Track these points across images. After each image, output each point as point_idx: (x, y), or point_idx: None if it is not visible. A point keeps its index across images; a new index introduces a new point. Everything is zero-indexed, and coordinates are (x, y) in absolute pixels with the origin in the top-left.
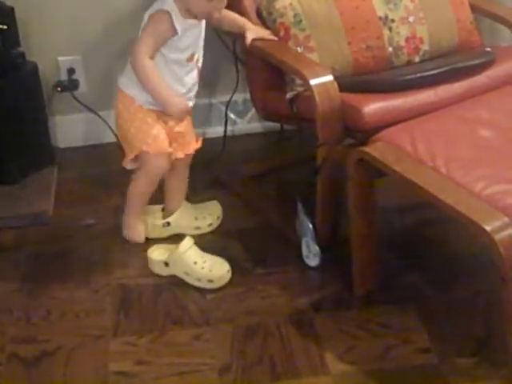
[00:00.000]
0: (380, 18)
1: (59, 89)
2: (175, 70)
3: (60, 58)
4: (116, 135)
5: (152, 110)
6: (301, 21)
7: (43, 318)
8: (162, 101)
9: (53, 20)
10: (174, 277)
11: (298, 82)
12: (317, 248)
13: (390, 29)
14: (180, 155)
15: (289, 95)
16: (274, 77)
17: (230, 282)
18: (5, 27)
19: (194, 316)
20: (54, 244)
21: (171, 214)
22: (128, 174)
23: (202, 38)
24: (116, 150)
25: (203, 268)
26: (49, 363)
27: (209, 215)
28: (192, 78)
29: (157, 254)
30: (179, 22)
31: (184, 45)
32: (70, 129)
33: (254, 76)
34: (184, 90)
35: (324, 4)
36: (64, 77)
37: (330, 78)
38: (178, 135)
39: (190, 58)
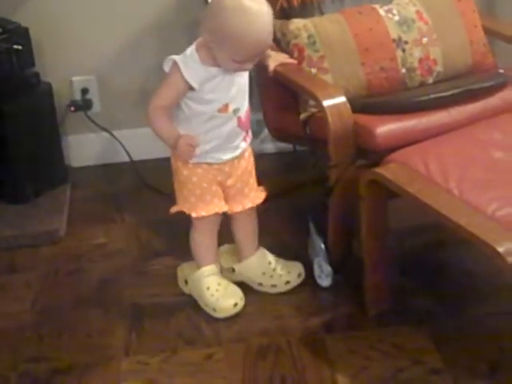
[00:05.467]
0: (393, 40)
1: (73, 108)
2: (205, 123)
3: (74, 78)
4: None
5: (198, 165)
6: (315, 42)
7: (55, 337)
8: (168, 145)
9: (67, 40)
10: (186, 296)
11: (312, 103)
12: (329, 268)
13: (404, 50)
14: (236, 209)
15: (302, 116)
16: (287, 98)
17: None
18: (19, 48)
19: (206, 336)
20: (67, 263)
21: (245, 258)
22: (139, 195)
23: (237, 87)
24: (129, 169)
25: (212, 295)
26: (60, 382)
27: (279, 275)
28: (230, 129)
29: (183, 270)
30: (196, 72)
31: (208, 96)
32: (83, 148)
33: (268, 97)
34: (218, 142)
35: (338, 26)
36: (78, 96)
37: (342, 99)
38: (230, 189)
39: (224, 110)
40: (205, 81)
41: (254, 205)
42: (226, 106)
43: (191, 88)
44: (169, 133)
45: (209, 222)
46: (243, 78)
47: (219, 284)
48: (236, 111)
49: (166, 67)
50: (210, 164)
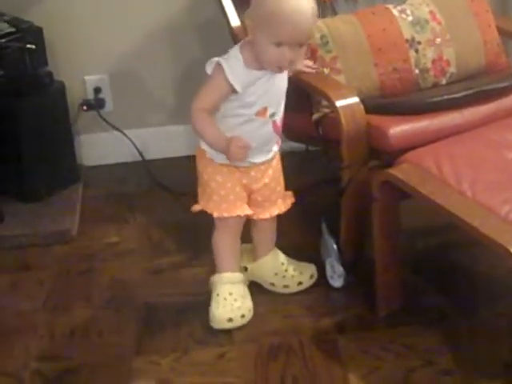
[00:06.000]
0: (407, 41)
1: (85, 107)
2: (241, 125)
3: (86, 77)
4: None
5: (224, 164)
6: (327, 42)
7: (67, 335)
8: (219, 150)
9: (80, 40)
10: (197, 296)
11: (324, 103)
12: (341, 269)
13: (417, 51)
14: (263, 216)
15: (315, 116)
16: (299, 98)
17: (254, 302)
18: (33, 47)
19: (218, 336)
20: (78, 262)
21: (258, 258)
22: (151, 194)
23: (276, 91)
24: (141, 168)
25: (217, 303)
26: (71, 381)
27: (291, 276)
28: (266, 133)
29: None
30: (239, 76)
31: (250, 99)
32: (95, 147)
33: None
34: (254, 145)
35: (351, 26)
36: (90, 96)
37: (355, 99)
38: (257, 195)
39: (262, 113)
40: (248, 84)
41: (281, 212)
42: (265, 109)
43: (234, 91)
44: (212, 135)
45: (232, 225)
46: (283, 82)
47: (230, 294)
48: (273, 115)
49: (209, 69)
50: (236, 166)
